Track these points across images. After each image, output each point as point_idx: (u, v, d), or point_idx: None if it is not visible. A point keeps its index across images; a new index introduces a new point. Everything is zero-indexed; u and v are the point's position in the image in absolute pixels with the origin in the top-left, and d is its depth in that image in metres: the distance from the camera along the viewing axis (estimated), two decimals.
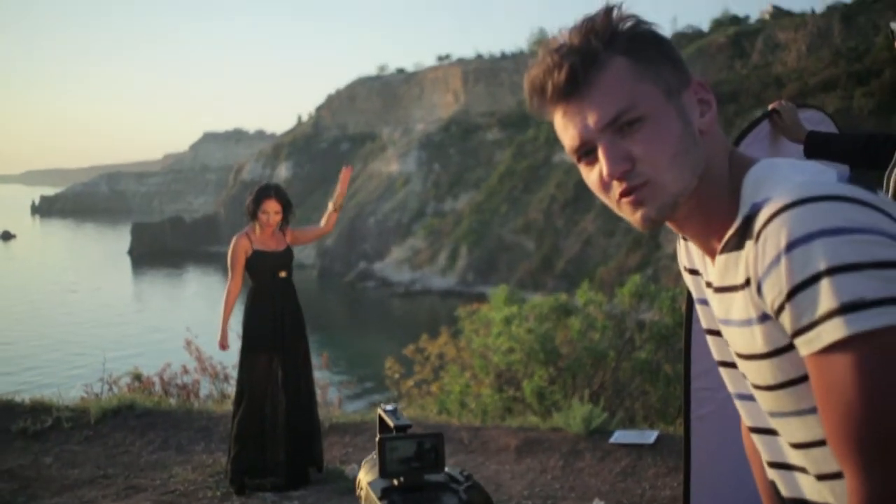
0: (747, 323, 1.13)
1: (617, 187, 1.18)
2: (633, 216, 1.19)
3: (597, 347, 8.54)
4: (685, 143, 1.17)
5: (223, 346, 5.74)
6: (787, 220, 1.03)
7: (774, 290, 1.04)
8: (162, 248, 64.49)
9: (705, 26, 55.01)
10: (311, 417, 5.74)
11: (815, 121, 3.24)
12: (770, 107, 3.13)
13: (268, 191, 5.83)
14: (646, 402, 8.31)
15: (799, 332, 1.02)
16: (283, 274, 5.70)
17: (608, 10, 1.19)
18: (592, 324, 8.87)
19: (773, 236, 1.04)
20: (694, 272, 1.36)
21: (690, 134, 1.18)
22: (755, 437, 1.29)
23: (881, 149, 2.82)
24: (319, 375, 9.92)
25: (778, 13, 48.96)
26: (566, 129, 1.21)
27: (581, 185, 46.59)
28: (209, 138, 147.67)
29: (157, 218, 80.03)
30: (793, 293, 1.01)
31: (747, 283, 1.10)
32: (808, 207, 1.02)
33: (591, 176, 1.22)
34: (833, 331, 0.97)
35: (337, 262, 55.63)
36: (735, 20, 52.00)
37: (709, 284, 1.26)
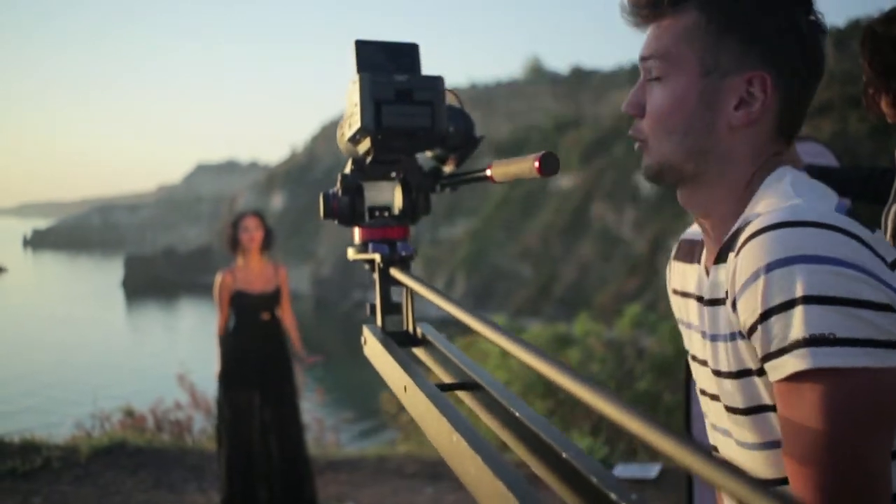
0: (727, 338, 1.09)
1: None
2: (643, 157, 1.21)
3: (596, 379, 8.43)
4: (689, 122, 1.13)
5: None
6: (772, 240, 0.98)
7: (749, 308, 1.00)
8: (155, 280, 64.24)
9: None
10: (301, 458, 5.63)
11: (813, 153, 3.17)
12: None
13: (243, 212, 5.79)
14: None
15: (768, 357, 0.99)
16: (265, 316, 5.57)
17: None
18: (591, 355, 8.77)
19: (754, 253, 0.99)
20: (683, 294, 1.31)
21: (705, 119, 1.13)
22: None
23: (881, 183, 2.72)
24: (314, 409, 9.78)
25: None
26: None
27: (578, 211, 46.88)
28: (202, 170, 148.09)
29: (151, 250, 79.86)
30: (766, 315, 0.97)
31: (726, 296, 1.06)
32: (796, 231, 0.97)
33: None
34: (798, 361, 0.94)
35: (332, 292, 55.48)
36: None
37: (700, 299, 1.21)
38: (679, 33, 1.13)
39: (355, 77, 1.07)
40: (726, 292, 1.07)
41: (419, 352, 1.14)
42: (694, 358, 1.28)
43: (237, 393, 5.51)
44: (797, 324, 0.94)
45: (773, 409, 1.05)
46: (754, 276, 0.99)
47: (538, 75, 64.74)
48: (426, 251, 53.08)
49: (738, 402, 1.10)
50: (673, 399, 8.25)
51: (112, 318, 49.28)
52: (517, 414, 0.81)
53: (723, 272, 1.09)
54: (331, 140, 76.86)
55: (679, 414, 7.83)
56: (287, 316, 5.75)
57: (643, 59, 1.17)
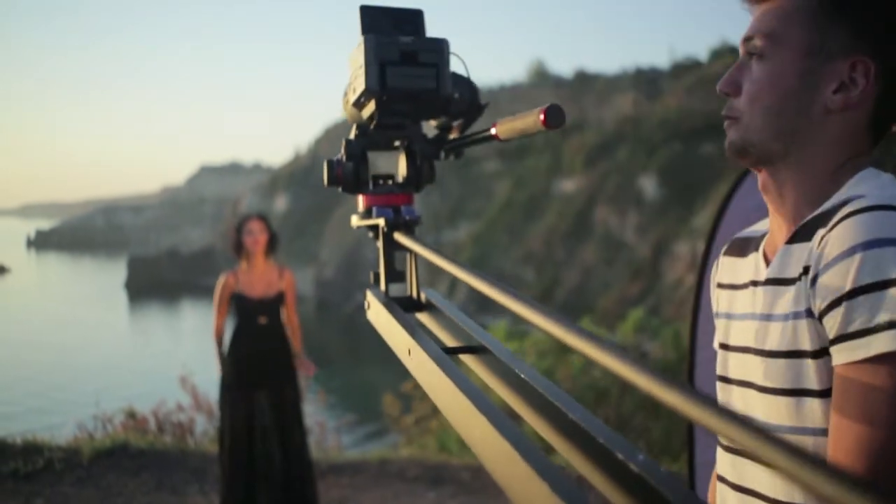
0: (789, 317, 1.08)
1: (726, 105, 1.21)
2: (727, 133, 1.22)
3: (598, 384, 8.43)
4: (785, 101, 1.14)
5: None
6: (874, 219, 0.98)
7: (835, 283, 0.99)
8: (158, 281, 64.31)
9: (704, 56, 55.40)
10: (303, 461, 5.62)
11: None
12: None
13: (248, 215, 5.77)
14: (649, 439, 8.18)
15: (845, 338, 0.98)
16: (262, 320, 5.56)
17: None
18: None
19: (853, 229, 0.99)
20: (731, 287, 1.32)
21: (802, 99, 1.14)
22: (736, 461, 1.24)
23: None
24: (317, 412, 9.78)
25: None
26: None
27: (581, 215, 46.84)
28: (206, 171, 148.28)
29: (154, 251, 79.95)
30: (854, 293, 0.96)
31: (805, 272, 1.06)
32: None
33: None
34: (887, 342, 0.93)
35: (335, 294, 55.48)
36: (733, 50, 52.11)
37: (754, 283, 1.22)
38: (788, 13, 1.14)
39: (360, 39, 1.07)
40: (805, 268, 1.07)
41: (423, 317, 1.13)
42: (726, 347, 1.28)
43: (237, 395, 5.51)
44: (890, 305, 0.94)
45: (815, 394, 1.05)
46: (849, 252, 0.98)
47: (542, 78, 64.74)
48: None
49: (779, 383, 1.10)
50: None
51: (115, 319, 49.34)
52: (523, 376, 0.80)
53: (800, 250, 1.10)
54: (334, 142, 76.84)
55: (681, 419, 7.82)
56: (291, 319, 5.72)
57: (747, 38, 1.18)
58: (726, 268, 1.37)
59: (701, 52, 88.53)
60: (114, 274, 71.05)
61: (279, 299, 5.60)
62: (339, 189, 1.18)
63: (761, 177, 1.21)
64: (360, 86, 1.07)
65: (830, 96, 1.13)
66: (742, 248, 1.34)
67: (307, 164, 75.94)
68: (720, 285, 1.37)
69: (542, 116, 0.90)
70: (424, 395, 10.19)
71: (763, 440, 0.41)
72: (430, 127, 1.20)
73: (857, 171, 1.14)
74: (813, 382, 1.05)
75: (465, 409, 0.76)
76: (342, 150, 1.19)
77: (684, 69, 53.35)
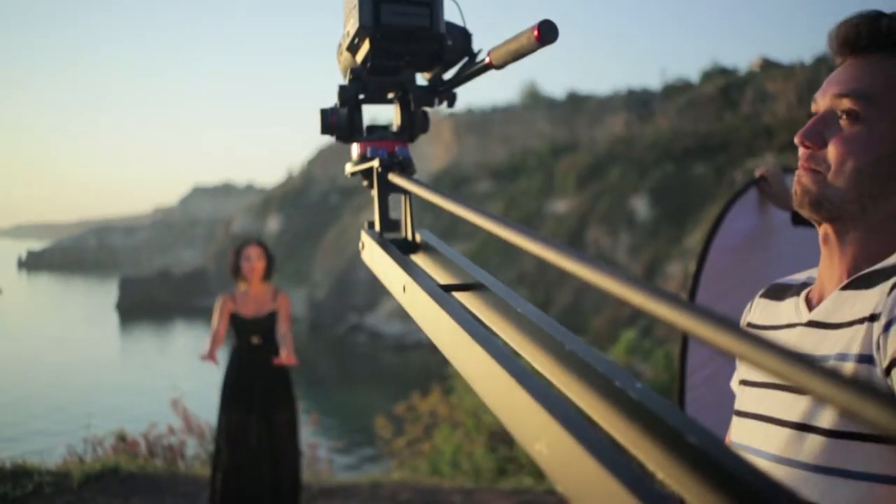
0: (831, 358, 1.10)
1: (802, 153, 1.21)
2: (797, 184, 1.22)
3: None
4: (878, 168, 1.15)
5: (209, 357, 5.55)
6: None
7: None
8: (150, 302, 64.02)
9: (695, 77, 55.65)
10: (294, 484, 5.61)
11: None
12: (757, 173, 3.06)
13: (247, 240, 5.80)
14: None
15: None
16: (255, 340, 5.58)
17: None
18: None
19: None
20: (761, 327, 1.35)
21: (887, 170, 1.15)
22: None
23: None
24: (308, 434, 9.73)
25: (767, 64, 49.49)
26: (829, 77, 1.22)
27: (573, 235, 46.86)
28: (199, 192, 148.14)
29: (146, 272, 79.70)
30: None
31: (870, 318, 1.08)
32: None
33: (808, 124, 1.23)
34: None
35: (327, 315, 55.34)
36: (724, 72, 52.54)
37: (792, 325, 1.25)
38: (886, 79, 1.15)
39: None
40: (871, 315, 1.08)
41: (419, 258, 1.12)
42: (750, 384, 1.31)
43: (232, 416, 5.53)
44: None
45: (864, 438, 1.06)
46: None
47: (534, 100, 64.93)
48: None
49: (826, 424, 1.11)
50: None
51: (106, 341, 49.11)
52: (520, 310, 0.80)
53: (856, 297, 1.13)
54: (327, 163, 77.17)
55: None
56: (283, 328, 5.66)
57: (840, 94, 1.17)
58: (761, 309, 1.40)
59: (692, 73, 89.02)
60: (105, 295, 70.79)
61: (272, 319, 5.62)
62: (334, 137, 1.18)
63: (824, 228, 1.23)
64: (354, 25, 1.06)
65: None
66: (780, 292, 1.37)
67: (300, 185, 76.02)
68: (751, 325, 1.39)
69: (535, 33, 0.89)
70: (416, 418, 10.17)
71: (778, 356, 0.40)
72: (424, 80, 1.19)
73: None
74: (859, 427, 1.06)
75: (464, 342, 0.75)
76: (336, 98, 1.18)
77: (675, 90, 53.60)
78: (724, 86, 47.95)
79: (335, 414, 23.68)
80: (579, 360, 0.65)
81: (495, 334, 0.80)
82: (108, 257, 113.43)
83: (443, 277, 1.02)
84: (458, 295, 0.93)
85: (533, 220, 51.00)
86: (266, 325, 5.60)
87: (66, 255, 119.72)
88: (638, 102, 55.77)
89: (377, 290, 57.07)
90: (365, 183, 1.20)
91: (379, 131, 1.19)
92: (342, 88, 1.17)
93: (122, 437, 8.45)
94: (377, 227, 1.16)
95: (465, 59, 1.11)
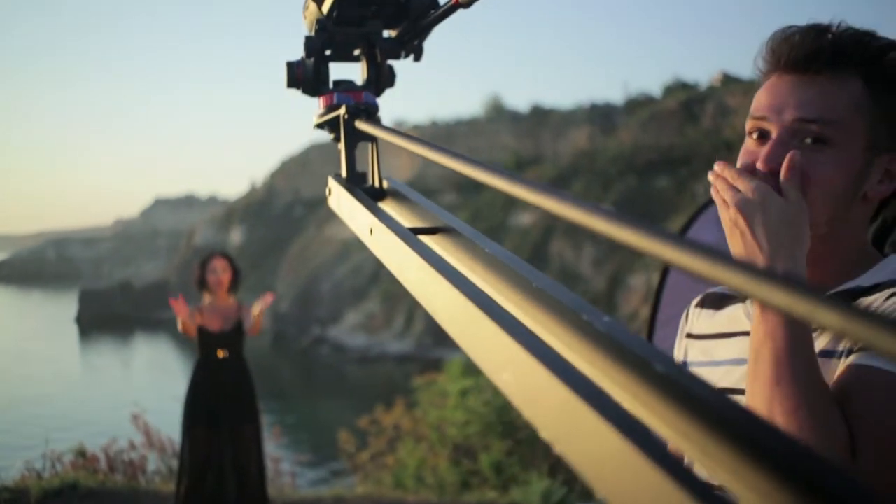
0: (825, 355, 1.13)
1: (761, 176, 1.17)
2: None
3: None
4: (848, 190, 1.17)
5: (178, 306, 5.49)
6: None
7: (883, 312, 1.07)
8: (111, 315, 63.19)
9: (657, 92, 56.22)
10: (262, 499, 5.58)
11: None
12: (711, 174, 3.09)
13: (213, 252, 5.80)
14: None
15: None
16: (221, 354, 5.57)
17: (888, 45, 1.17)
18: None
19: None
20: (704, 337, 1.37)
21: (854, 191, 1.17)
22: None
23: None
24: (271, 448, 9.67)
25: (727, 79, 50.17)
26: (767, 96, 1.20)
27: (537, 248, 47.04)
28: (160, 204, 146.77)
29: (106, 284, 78.70)
30: None
31: None
32: None
33: (750, 149, 1.22)
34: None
35: (291, 328, 55.01)
36: (685, 86, 53.16)
37: (747, 332, 1.24)
38: (850, 102, 1.15)
39: None
40: None
41: (387, 205, 1.09)
42: (696, 336, 1.38)
43: (198, 430, 5.50)
44: None
45: None
46: None
47: (498, 113, 65.23)
48: (386, 287, 52.88)
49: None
50: None
51: (65, 355, 48.40)
52: (488, 251, 0.80)
53: None
54: (290, 176, 76.89)
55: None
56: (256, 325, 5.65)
57: (807, 119, 1.16)
58: (701, 319, 1.41)
59: (654, 88, 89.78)
60: (65, 308, 69.78)
61: (238, 333, 5.61)
62: (300, 91, 1.16)
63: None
64: None
65: (875, 186, 1.19)
66: (718, 301, 1.40)
67: (263, 197, 75.61)
68: (690, 335, 1.41)
69: None
70: (380, 431, 10.14)
71: (758, 278, 0.39)
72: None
73: (876, 254, 1.25)
74: None
75: (430, 278, 0.75)
76: (302, 49, 1.16)
77: (638, 104, 54.11)
78: (686, 100, 48.50)
79: (298, 427, 23.51)
80: (547, 296, 0.66)
81: (462, 274, 0.79)
82: (68, 269, 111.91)
83: (411, 222, 1.00)
84: (425, 238, 0.92)
85: (497, 233, 51.14)
86: (232, 338, 5.60)
87: (24, 268, 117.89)
88: (601, 116, 56.22)
89: (341, 303, 56.90)
90: (332, 136, 1.18)
91: (346, 84, 1.17)
92: (308, 39, 1.15)
93: (81, 453, 8.33)
94: (344, 177, 1.14)
95: (432, 13, 1.09)
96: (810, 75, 1.17)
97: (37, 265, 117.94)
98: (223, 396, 5.53)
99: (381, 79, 1.17)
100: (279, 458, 9.64)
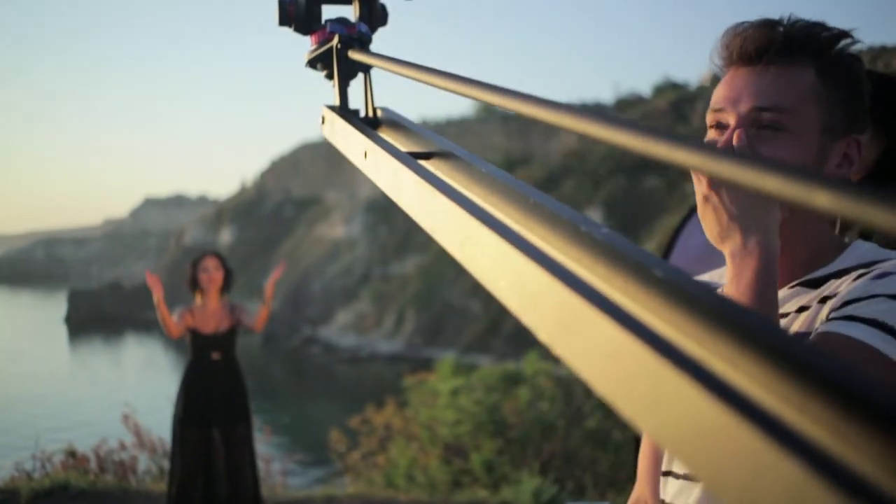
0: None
1: None
2: None
3: (545, 417, 8.45)
4: None
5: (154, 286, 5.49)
6: None
7: (852, 289, 1.12)
8: (100, 315, 62.97)
9: (647, 91, 56.33)
10: (255, 499, 5.58)
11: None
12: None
13: (204, 252, 5.79)
14: (595, 471, 8.22)
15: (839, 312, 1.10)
16: (215, 356, 5.56)
17: (839, 34, 1.22)
18: (541, 393, 8.80)
19: (882, 271, 1.13)
20: None
21: None
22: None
23: None
24: (262, 448, 9.67)
25: (716, 79, 50.16)
26: (724, 89, 1.25)
27: None
28: (150, 203, 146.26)
29: (96, 284, 78.42)
30: (873, 296, 1.09)
31: (823, 301, 1.17)
32: None
33: (711, 139, 1.26)
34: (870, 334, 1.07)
35: (282, 328, 54.91)
36: (675, 86, 53.31)
37: None
38: (803, 90, 1.19)
39: None
40: (823, 298, 1.17)
41: (381, 132, 1.07)
42: (674, 475, 1.34)
43: (191, 432, 5.49)
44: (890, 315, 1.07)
45: None
46: (878, 276, 1.11)
47: (488, 113, 65.25)
48: (376, 287, 52.85)
49: None
50: (622, 436, 8.30)
51: (55, 355, 48.21)
52: (484, 171, 0.79)
53: (808, 294, 1.21)
54: (281, 175, 76.70)
55: (628, 450, 7.89)
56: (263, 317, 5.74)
57: (762, 108, 1.19)
58: None
59: (644, 87, 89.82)
60: (54, 308, 69.51)
61: (232, 334, 5.61)
62: (292, 29, 1.16)
63: None
64: None
65: (833, 171, 1.21)
66: None
67: (253, 196, 75.46)
68: None
69: None
70: (371, 431, 10.14)
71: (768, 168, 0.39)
72: None
73: (843, 242, 1.27)
74: None
75: (427, 195, 0.75)
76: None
77: (628, 104, 54.22)
78: (676, 100, 48.65)
79: (289, 427, 23.49)
80: (545, 209, 0.66)
81: (460, 191, 0.79)
82: (57, 269, 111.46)
83: (407, 147, 0.98)
84: (422, 162, 0.90)
85: None
86: (227, 340, 5.60)
87: (13, 268, 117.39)
88: None
89: (332, 303, 56.85)
90: (324, 73, 1.17)
91: (338, 19, 1.16)
92: None
93: (71, 453, 8.31)
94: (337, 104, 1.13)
95: None
96: (763, 66, 1.20)
97: (26, 265, 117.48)
98: (216, 398, 5.52)
99: (374, 17, 1.16)
100: (270, 457, 9.64)
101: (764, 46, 1.20)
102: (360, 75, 1.14)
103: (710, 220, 1.20)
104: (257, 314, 5.75)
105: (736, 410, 0.37)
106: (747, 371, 0.40)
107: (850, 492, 0.32)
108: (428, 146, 0.94)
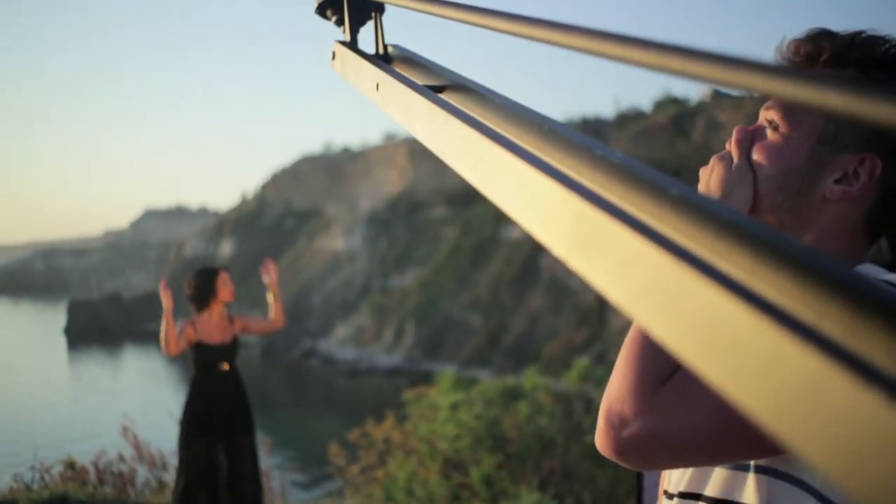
0: None
1: None
2: None
3: (544, 433, 8.45)
4: (788, 177, 1.18)
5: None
6: None
7: None
8: (100, 327, 62.96)
9: (647, 106, 56.38)
10: None
11: None
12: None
13: (215, 268, 5.82)
14: (594, 487, 8.21)
15: None
16: (224, 367, 5.58)
17: (888, 51, 1.16)
18: (540, 408, 8.79)
19: None
20: None
21: (805, 181, 1.18)
22: None
23: None
24: (262, 462, 9.66)
25: (717, 95, 50.43)
26: None
27: (528, 262, 47.08)
28: (150, 215, 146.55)
29: (95, 295, 78.40)
30: None
31: None
32: None
33: None
34: None
35: (281, 340, 54.86)
36: (676, 101, 53.36)
37: None
38: None
39: None
40: None
41: (393, 66, 1.05)
42: (669, 494, 1.32)
43: (198, 445, 5.49)
44: None
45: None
46: None
47: None
48: (376, 300, 52.80)
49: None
50: None
51: (54, 366, 48.17)
52: (498, 101, 0.79)
53: None
54: (282, 188, 76.82)
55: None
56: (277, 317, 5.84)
57: (768, 106, 1.23)
58: None
59: (644, 102, 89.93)
60: (53, 319, 69.50)
61: (235, 345, 5.65)
62: None
63: None
64: None
65: (831, 185, 1.16)
66: None
67: (254, 208, 75.54)
68: None
69: None
70: (370, 444, 10.12)
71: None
72: None
73: (855, 264, 1.18)
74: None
75: (441, 120, 0.74)
76: None
77: (628, 119, 54.30)
78: (676, 115, 48.70)
79: (289, 440, 23.44)
80: (560, 136, 0.66)
81: (473, 117, 0.78)
82: (57, 280, 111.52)
83: (419, 80, 0.96)
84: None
85: (488, 246, 51.20)
86: (232, 351, 5.64)
87: (12, 278, 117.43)
88: (591, 130, 56.37)
89: (331, 316, 56.81)
90: (333, 19, 1.15)
91: None
92: None
93: (70, 465, 8.30)
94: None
95: None
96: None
97: (26, 276, 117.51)
98: (221, 409, 5.53)
99: None
100: (268, 471, 9.62)
101: (812, 54, 1.19)
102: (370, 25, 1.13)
103: (701, 189, 1.26)
104: (271, 312, 5.83)
105: (754, 308, 0.38)
106: (765, 278, 0.41)
107: (865, 380, 0.33)
108: (441, 80, 0.94)
